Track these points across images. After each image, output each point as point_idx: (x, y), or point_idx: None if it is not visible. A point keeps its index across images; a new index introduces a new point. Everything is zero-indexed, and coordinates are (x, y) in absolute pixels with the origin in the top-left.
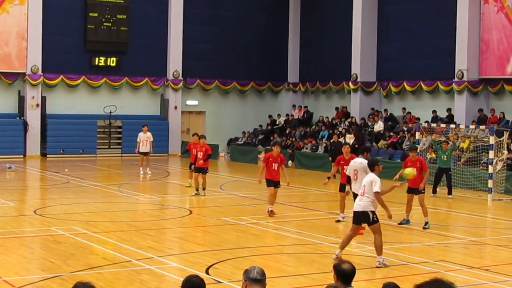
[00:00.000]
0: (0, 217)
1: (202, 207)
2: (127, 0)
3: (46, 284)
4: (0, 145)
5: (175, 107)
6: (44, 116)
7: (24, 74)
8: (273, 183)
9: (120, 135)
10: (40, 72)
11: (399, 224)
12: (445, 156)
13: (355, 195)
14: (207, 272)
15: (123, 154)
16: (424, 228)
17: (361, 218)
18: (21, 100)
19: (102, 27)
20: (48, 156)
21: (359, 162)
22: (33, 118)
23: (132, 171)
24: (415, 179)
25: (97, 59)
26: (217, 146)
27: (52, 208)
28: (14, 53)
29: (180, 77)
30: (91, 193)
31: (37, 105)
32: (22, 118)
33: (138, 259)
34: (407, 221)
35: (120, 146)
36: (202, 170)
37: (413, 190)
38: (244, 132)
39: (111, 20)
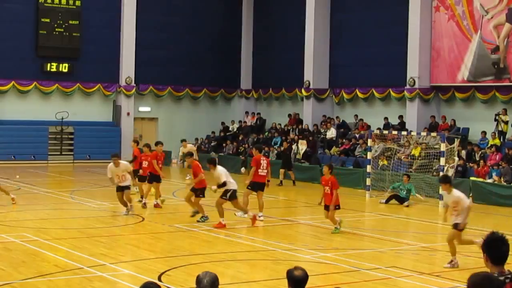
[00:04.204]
0: None
1: (154, 214)
2: (80, 6)
3: None
4: None
5: (128, 114)
6: None
7: None
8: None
9: (72, 142)
10: None
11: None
12: (405, 190)
13: None
14: (159, 279)
15: (75, 161)
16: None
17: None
18: None
19: (54, 32)
20: None
21: None
22: None
23: (84, 178)
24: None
25: (49, 65)
26: (170, 153)
27: (3, 215)
28: None
29: (133, 84)
30: (42, 200)
31: None
32: None
33: (90, 266)
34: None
35: (72, 153)
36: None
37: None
38: (197, 139)
39: (63, 26)
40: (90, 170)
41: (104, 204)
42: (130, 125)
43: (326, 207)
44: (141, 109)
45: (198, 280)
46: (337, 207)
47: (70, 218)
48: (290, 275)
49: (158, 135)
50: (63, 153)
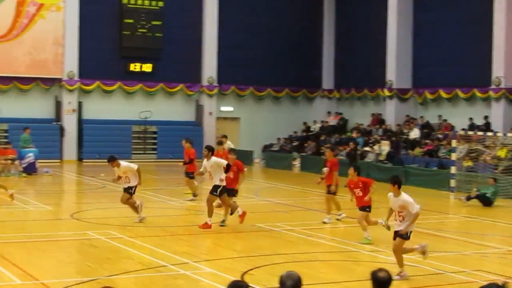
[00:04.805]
0: (37, 220)
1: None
2: (162, 6)
3: (82, 287)
4: (37, 149)
5: (210, 113)
6: (80, 121)
7: (60, 79)
8: None
9: (155, 141)
10: (76, 78)
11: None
12: (491, 193)
13: None
14: (242, 279)
15: (158, 160)
16: None
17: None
18: (58, 105)
19: (137, 33)
20: (84, 160)
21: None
22: (70, 123)
23: (167, 177)
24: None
25: (132, 65)
26: (251, 152)
27: (89, 212)
28: (50, 59)
29: (215, 83)
30: None
31: (74, 110)
32: (58, 123)
33: (173, 264)
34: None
35: (155, 152)
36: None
37: None
38: (278, 139)
39: (146, 26)
40: (173, 169)
41: (186, 203)
42: (212, 124)
43: (362, 208)
44: (223, 108)
45: (282, 282)
46: (368, 209)
47: (153, 216)
48: (374, 276)
49: (240, 134)
50: (146, 152)
